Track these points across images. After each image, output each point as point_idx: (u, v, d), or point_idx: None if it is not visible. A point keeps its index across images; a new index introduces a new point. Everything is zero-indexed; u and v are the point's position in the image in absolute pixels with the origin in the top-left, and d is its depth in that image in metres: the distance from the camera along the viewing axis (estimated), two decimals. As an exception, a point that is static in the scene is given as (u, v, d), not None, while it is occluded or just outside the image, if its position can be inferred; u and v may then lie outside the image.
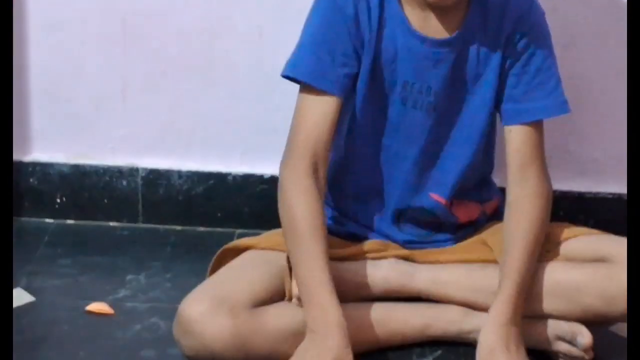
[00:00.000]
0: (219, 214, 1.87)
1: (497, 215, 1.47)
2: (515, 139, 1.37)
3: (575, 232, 1.44)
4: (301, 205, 1.31)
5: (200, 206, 1.89)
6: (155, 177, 1.86)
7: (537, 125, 1.36)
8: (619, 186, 1.75)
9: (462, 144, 1.41)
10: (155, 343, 1.48)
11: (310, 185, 1.33)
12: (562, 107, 1.36)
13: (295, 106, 1.37)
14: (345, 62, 1.33)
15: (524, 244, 1.33)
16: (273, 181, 1.68)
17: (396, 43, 1.33)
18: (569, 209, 1.75)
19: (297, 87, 1.38)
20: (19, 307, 1.55)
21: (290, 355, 1.28)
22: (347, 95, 1.36)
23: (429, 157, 1.42)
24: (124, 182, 1.87)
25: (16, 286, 1.62)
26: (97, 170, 1.85)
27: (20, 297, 1.59)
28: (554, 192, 1.52)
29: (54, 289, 1.67)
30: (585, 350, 1.34)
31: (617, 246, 1.37)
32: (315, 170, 1.34)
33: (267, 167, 1.80)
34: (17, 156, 1.80)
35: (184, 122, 1.79)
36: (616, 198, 1.78)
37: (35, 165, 1.85)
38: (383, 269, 1.42)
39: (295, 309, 1.33)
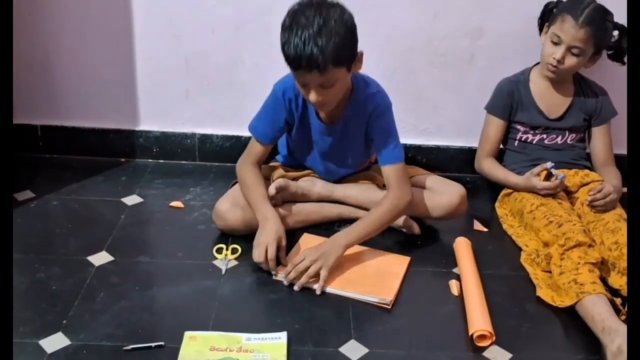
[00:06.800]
0: (237, 158, 2.04)
1: (375, 162, 1.98)
2: (384, 175, 1.84)
3: (418, 171, 2.04)
4: (250, 177, 1.84)
5: (227, 153, 2.36)
6: (205, 138, 2.38)
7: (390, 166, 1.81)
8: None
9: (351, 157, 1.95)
10: (205, 222, 1.98)
11: (254, 169, 1.85)
12: (397, 156, 1.81)
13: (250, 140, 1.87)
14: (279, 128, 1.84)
15: (377, 214, 1.82)
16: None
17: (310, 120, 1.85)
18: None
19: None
20: (134, 205, 2.04)
21: None
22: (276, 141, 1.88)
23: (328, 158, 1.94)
24: (189, 141, 2.38)
25: (133, 194, 2.11)
26: (167, 134, 2.34)
27: (135, 199, 2.09)
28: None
29: (152, 195, 2.16)
30: (411, 228, 1.96)
31: (438, 182, 1.99)
32: (256, 165, 1.87)
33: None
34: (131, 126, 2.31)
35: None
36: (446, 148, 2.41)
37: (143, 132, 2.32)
38: (318, 186, 2.00)
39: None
